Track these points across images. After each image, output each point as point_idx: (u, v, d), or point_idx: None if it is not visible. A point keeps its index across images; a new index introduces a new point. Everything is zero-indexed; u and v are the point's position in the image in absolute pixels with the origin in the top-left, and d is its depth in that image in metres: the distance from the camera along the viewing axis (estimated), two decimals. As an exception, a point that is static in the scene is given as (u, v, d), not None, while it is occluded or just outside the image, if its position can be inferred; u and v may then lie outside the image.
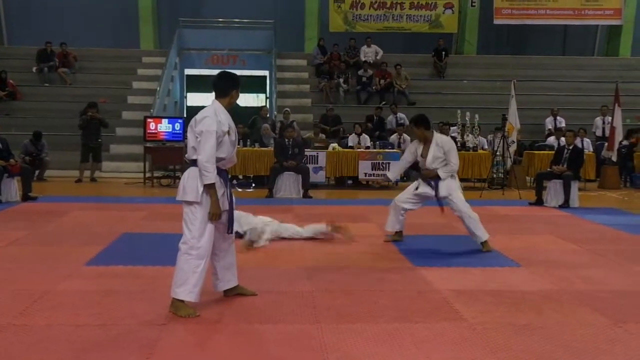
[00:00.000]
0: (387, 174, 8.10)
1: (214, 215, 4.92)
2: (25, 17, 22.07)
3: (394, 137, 16.23)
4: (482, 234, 7.59)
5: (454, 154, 7.60)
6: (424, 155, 7.63)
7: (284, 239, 7.93)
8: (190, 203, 4.98)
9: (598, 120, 17.25)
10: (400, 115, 17.49)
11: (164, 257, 6.87)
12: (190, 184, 4.94)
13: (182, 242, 5.01)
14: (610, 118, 16.50)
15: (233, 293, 5.41)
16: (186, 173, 5.04)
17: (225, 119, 5.00)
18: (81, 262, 6.65)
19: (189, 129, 5.02)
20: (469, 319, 4.96)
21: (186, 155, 5.11)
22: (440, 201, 7.72)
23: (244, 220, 8.00)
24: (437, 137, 7.69)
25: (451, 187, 7.63)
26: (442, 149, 7.55)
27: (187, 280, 4.89)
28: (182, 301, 4.92)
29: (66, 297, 5.40)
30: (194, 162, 4.94)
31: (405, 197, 7.91)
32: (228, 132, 4.98)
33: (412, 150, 7.91)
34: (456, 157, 7.63)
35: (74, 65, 20.31)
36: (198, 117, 4.96)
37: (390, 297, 5.55)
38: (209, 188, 4.87)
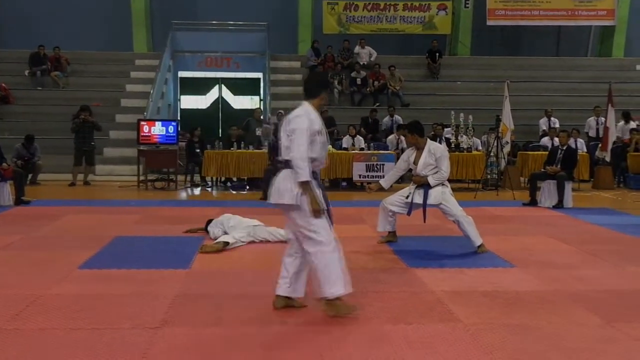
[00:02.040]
0: (380, 182, 7.99)
1: (315, 212, 4.84)
2: (17, 20, 21.99)
3: (391, 138, 16.22)
4: (476, 239, 7.57)
5: (445, 161, 7.59)
6: (416, 162, 7.66)
7: (268, 242, 7.93)
8: (290, 206, 4.89)
9: (591, 120, 17.29)
10: (397, 117, 17.50)
11: (158, 260, 6.90)
12: (285, 186, 4.89)
13: (309, 246, 4.90)
14: (603, 119, 16.60)
15: (283, 304, 5.21)
16: (280, 175, 4.99)
17: (317, 119, 4.99)
18: (74, 266, 6.62)
19: (281, 129, 5.04)
20: (463, 320, 4.95)
21: (279, 157, 5.04)
22: (425, 210, 7.73)
23: (238, 224, 8.03)
24: (430, 144, 7.72)
25: (442, 196, 7.61)
26: (433, 156, 7.56)
27: (332, 276, 4.82)
28: (339, 299, 4.88)
29: (59, 300, 5.38)
30: (287, 163, 4.91)
31: (393, 200, 7.88)
32: (319, 132, 4.96)
33: (405, 158, 7.93)
34: (447, 165, 7.62)
35: (67, 69, 20.25)
36: (290, 117, 4.98)
37: (384, 298, 5.54)
38: (305, 185, 4.82)
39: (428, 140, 7.79)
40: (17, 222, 9.48)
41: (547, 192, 11.68)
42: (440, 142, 15.00)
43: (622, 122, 16.73)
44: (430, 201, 7.61)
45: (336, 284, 4.82)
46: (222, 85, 22.85)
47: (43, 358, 4.15)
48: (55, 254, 7.23)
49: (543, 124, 17.60)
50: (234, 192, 13.61)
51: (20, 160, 14.06)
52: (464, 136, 14.72)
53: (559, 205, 11.39)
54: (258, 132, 15.41)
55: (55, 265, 6.70)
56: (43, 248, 7.65)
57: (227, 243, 7.52)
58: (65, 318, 4.92)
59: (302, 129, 4.82)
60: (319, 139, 4.94)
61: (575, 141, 14.93)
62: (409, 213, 7.82)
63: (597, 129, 16.89)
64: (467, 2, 22.59)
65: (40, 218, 9.77)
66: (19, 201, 11.25)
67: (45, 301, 5.37)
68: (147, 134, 14.49)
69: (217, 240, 7.64)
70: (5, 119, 18.20)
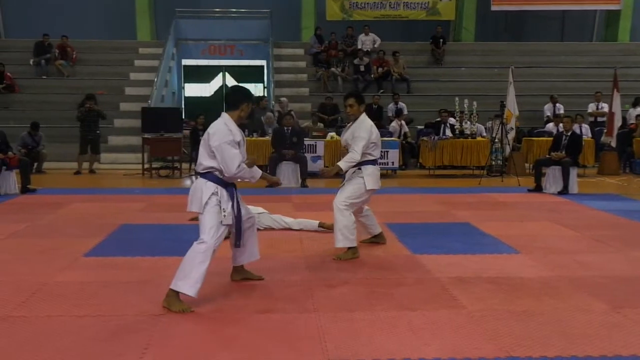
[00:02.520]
0: (339, 163, 6.49)
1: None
2: (22, 9, 21.99)
3: (394, 125, 16.20)
4: (340, 240, 6.48)
5: (360, 142, 6.36)
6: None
7: (273, 229, 7.94)
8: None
9: (592, 105, 17.31)
10: (401, 104, 17.47)
11: (163, 248, 6.92)
12: (195, 196, 5.01)
13: (197, 241, 4.97)
14: (604, 104, 16.62)
15: (239, 277, 5.56)
16: (194, 184, 5.10)
17: (236, 130, 5.03)
18: (80, 254, 6.66)
19: (202, 142, 5.09)
20: (467, 306, 4.96)
21: (195, 167, 5.19)
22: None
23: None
24: (363, 118, 6.62)
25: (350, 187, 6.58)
26: (352, 134, 6.50)
27: (189, 273, 4.85)
28: (177, 294, 4.89)
29: (65, 288, 5.41)
30: (201, 174, 5.04)
31: None
32: (239, 144, 5.02)
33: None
34: (361, 146, 6.35)
35: (75, 58, 20.23)
36: (210, 131, 5.01)
37: (388, 285, 5.55)
38: (258, 175, 5.24)
39: (364, 114, 6.68)
40: (23, 211, 9.51)
41: (552, 178, 11.66)
42: (445, 129, 15.04)
43: (631, 108, 16.76)
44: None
45: (187, 282, 4.83)
46: (226, 73, 22.83)
47: (49, 345, 4.17)
48: (60, 242, 7.26)
49: (548, 109, 17.55)
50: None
51: (24, 148, 14.10)
52: (468, 122, 14.68)
53: (564, 191, 11.37)
54: (263, 119, 15.40)
55: (60, 253, 6.73)
56: (49, 236, 7.68)
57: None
58: (71, 305, 4.95)
59: (226, 142, 4.92)
60: (239, 150, 5.02)
61: (580, 127, 14.89)
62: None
63: (595, 117, 17.05)
64: (472, -13, 22.50)
65: (45, 206, 9.80)
66: (24, 189, 11.29)
67: (51, 289, 5.40)
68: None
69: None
70: (11, 108, 18.22)
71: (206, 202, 4.92)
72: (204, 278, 4.87)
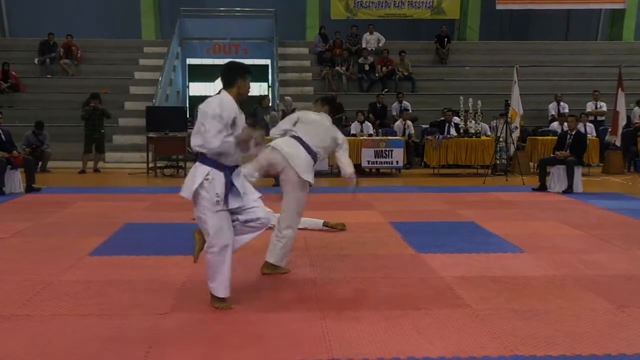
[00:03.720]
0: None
1: (245, 136, 4.76)
2: (26, 8, 22.04)
3: (398, 124, 16.21)
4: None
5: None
6: None
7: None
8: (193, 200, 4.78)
9: (591, 104, 17.33)
10: (405, 103, 17.46)
11: (167, 247, 6.93)
12: (187, 180, 4.79)
13: (206, 246, 4.82)
14: (602, 102, 16.65)
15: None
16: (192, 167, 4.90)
17: (230, 107, 4.76)
18: (84, 253, 6.66)
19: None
20: (472, 305, 4.96)
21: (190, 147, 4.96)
22: None
23: None
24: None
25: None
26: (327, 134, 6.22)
27: (216, 276, 4.79)
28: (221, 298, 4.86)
29: (70, 287, 5.42)
30: (198, 156, 4.79)
31: None
32: (234, 121, 4.74)
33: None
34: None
35: (76, 56, 20.27)
36: (200, 106, 4.78)
37: (392, 284, 5.55)
38: (233, 145, 4.70)
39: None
40: (27, 210, 9.53)
41: (557, 177, 11.64)
42: (449, 128, 15.03)
43: (636, 107, 16.74)
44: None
45: (216, 285, 4.79)
46: (231, 72, 22.79)
47: (54, 343, 4.18)
48: (65, 241, 7.27)
49: (552, 108, 17.53)
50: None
51: (28, 147, 14.13)
52: (472, 121, 14.66)
53: (569, 190, 11.35)
54: (266, 118, 15.41)
55: (65, 252, 6.74)
56: (53, 235, 7.69)
57: None
58: (76, 304, 4.96)
59: (214, 115, 4.62)
60: (233, 131, 4.74)
61: (585, 126, 14.86)
62: None
63: (595, 116, 17.05)
64: (476, -14, 22.47)
65: (50, 205, 9.82)
66: (29, 188, 11.32)
67: (55, 287, 5.41)
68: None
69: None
70: (16, 107, 18.23)
71: (197, 191, 4.67)
72: (230, 275, 4.81)
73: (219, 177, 4.70)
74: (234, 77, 4.87)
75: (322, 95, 6.76)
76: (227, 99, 4.81)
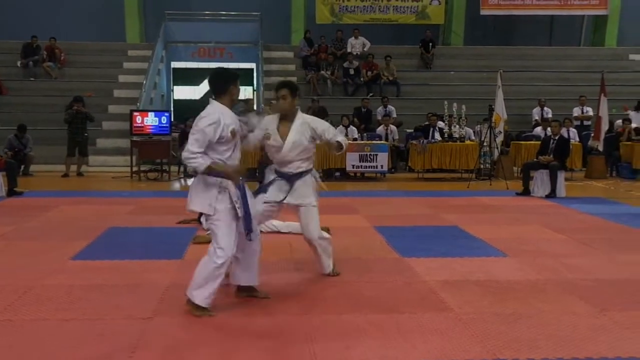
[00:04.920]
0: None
1: (234, 174, 4.72)
2: (9, 11, 21.83)
3: (380, 129, 16.24)
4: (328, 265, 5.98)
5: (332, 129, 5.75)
6: (284, 135, 5.58)
7: (261, 232, 7.90)
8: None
9: (577, 109, 17.46)
10: (390, 107, 17.51)
11: (151, 251, 6.90)
12: (197, 193, 4.81)
13: (212, 245, 4.84)
14: (588, 108, 16.77)
15: (245, 294, 5.23)
16: (194, 180, 4.91)
17: (231, 120, 4.75)
18: (67, 257, 6.62)
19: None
20: (455, 309, 4.97)
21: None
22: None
23: None
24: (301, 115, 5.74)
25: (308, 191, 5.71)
26: (314, 130, 5.60)
27: (206, 287, 4.76)
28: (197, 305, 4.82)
29: (52, 292, 5.38)
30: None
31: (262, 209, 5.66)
32: (233, 133, 4.73)
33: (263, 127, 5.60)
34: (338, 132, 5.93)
35: (60, 59, 20.14)
36: (202, 114, 4.75)
37: (377, 288, 5.56)
38: (208, 171, 4.65)
39: (300, 111, 5.72)
40: (9, 213, 9.46)
41: (540, 181, 11.71)
42: (434, 133, 15.09)
43: (633, 112, 16.91)
44: (292, 199, 5.65)
45: (202, 294, 4.74)
46: (216, 76, 22.73)
47: (35, 349, 4.15)
48: (48, 245, 7.22)
49: (536, 113, 17.65)
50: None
51: (11, 151, 14.02)
52: (456, 126, 14.72)
53: (552, 195, 11.42)
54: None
55: (48, 256, 6.69)
56: (36, 239, 7.63)
57: None
58: (58, 309, 4.92)
59: (200, 128, 4.63)
60: (235, 142, 4.78)
61: (568, 131, 14.98)
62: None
63: (581, 121, 17.23)
64: (460, -9, 22.59)
65: (32, 209, 9.75)
66: (11, 192, 11.22)
67: (38, 292, 5.37)
68: (140, 125, 14.46)
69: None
70: (-2, 110, 18.12)
71: (215, 199, 4.71)
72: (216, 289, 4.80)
73: (230, 186, 4.76)
74: (226, 84, 4.83)
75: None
76: (224, 110, 4.77)
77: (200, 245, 7.22)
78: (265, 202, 5.57)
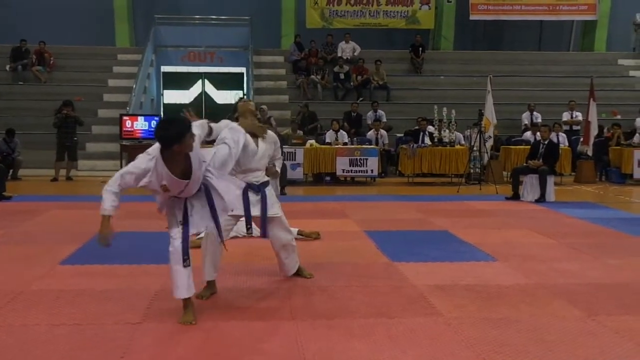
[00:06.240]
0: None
1: (101, 237, 5.02)
2: (-2, 14, 21.79)
3: (370, 134, 16.26)
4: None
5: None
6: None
7: (251, 237, 7.90)
8: None
9: (567, 114, 17.55)
10: (380, 112, 17.53)
11: (140, 255, 6.88)
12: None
13: None
14: (577, 113, 16.86)
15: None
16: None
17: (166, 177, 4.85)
18: (56, 262, 6.59)
19: None
20: (444, 314, 4.98)
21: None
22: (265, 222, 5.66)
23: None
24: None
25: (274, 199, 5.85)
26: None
27: (176, 281, 4.81)
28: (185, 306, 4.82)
29: (41, 296, 5.35)
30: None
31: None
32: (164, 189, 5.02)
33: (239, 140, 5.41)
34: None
35: (49, 63, 20.07)
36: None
37: (366, 293, 5.55)
38: (102, 213, 5.01)
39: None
40: (-2, 218, 9.41)
41: (530, 186, 11.75)
42: (424, 137, 15.13)
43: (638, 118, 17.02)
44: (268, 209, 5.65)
45: (179, 288, 4.76)
46: (206, 80, 22.76)
47: (25, 354, 4.12)
48: (36, 250, 7.19)
49: (525, 118, 17.73)
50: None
51: (-1, 155, 13.96)
52: (446, 130, 14.76)
53: (541, 199, 11.46)
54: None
55: (36, 260, 6.66)
56: (24, 244, 7.60)
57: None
58: (47, 314, 4.90)
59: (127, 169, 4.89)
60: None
61: (557, 135, 15.03)
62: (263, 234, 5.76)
63: (571, 124, 17.32)
64: (450, -4, 22.69)
65: (21, 213, 9.70)
66: (-1, 197, 11.18)
67: (26, 297, 5.34)
68: (129, 129, 14.47)
69: (199, 236, 7.60)
70: (-14, 114, 18.03)
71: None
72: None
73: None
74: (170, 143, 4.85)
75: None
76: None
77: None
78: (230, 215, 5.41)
